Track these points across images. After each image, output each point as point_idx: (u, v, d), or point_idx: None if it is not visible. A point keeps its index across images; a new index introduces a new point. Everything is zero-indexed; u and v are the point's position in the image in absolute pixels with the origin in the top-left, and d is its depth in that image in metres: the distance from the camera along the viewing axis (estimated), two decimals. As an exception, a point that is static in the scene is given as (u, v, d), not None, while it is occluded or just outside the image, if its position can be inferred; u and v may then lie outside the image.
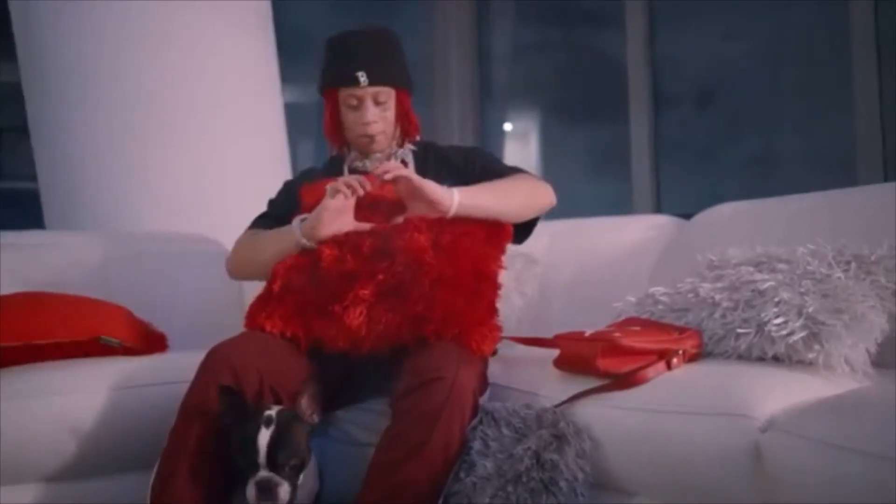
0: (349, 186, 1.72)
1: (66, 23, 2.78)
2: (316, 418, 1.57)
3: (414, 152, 1.94)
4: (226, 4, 2.92)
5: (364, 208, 1.77)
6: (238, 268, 1.95)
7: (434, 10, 3.94)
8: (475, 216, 1.75)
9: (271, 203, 2.00)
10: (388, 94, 1.85)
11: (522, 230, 1.88)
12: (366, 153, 1.90)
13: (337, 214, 1.74)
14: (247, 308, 1.80)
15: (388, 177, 1.69)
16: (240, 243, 1.94)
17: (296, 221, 1.79)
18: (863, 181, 2.75)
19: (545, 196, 1.87)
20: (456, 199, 1.72)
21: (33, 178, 2.98)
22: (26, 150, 3.04)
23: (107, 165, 2.78)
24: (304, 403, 1.55)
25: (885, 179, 2.74)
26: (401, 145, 1.94)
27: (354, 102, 1.84)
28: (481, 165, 1.90)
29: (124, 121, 2.77)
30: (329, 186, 1.74)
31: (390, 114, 1.87)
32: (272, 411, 1.52)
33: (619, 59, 3.40)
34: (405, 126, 1.93)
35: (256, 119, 3.00)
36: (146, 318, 2.10)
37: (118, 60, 2.77)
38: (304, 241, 1.75)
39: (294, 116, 3.24)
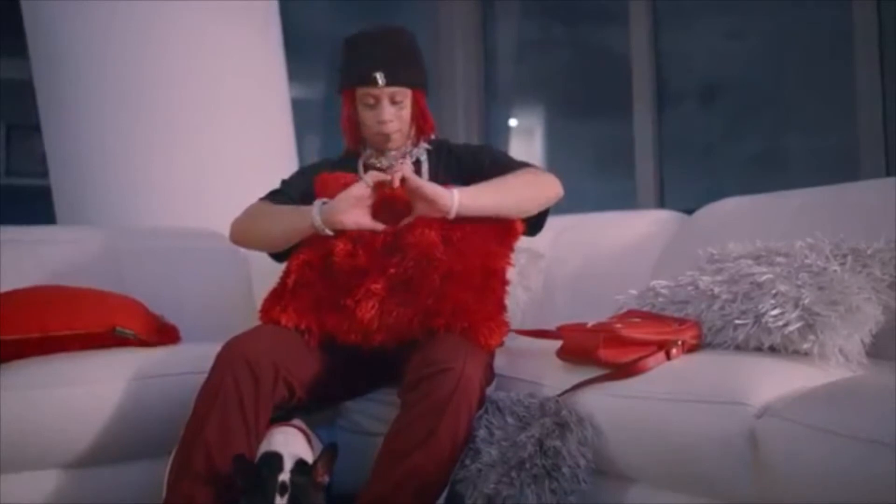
0: (377, 182, 1.73)
1: (76, 21, 2.79)
2: (327, 479, 1.56)
3: (429, 151, 1.96)
4: (234, 3, 2.93)
5: (377, 208, 1.78)
6: (244, 234, 1.93)
7: (439, 8, 3.94)
8: (478, 216, 1.75)
9: (285, 183, 1.98)
10: (405, 94, 1.86)
11: (534, 222, 1.88)
12: (381, 150, 1.92)
13: (358, 204, 1.74)
14: (256, 301, 1.83)
15: (396, 177, 1.71)
16: (252, 209, 1.92)
17: (317, 203, 1.78)
18: (866, 179, 2.75)
19: (550, 188, 1.86)
20: (456, 199, 1.72)
21: (44, 174, 3.00)
22: (36, 147, 3.06)
23: (117, 161, 2.79)
24: (319, 467, 1.54)
25: (888, 177, 2.74)
26: (416, 144, 1.95)
27: (371, 101, 1.85)
28: (490, 162, 1.90)
29: (134, 117, 2.78)
30: (367, 175, 1.75)
31: (406, 113, 1.88)
32: (285, 476, 1.50)
33: (624, 56, 3.40)
34: (420, 125, 1.93)
35: (264, 115, 3.01)
36: (157, 312, 2.12)
37: (128, 58, 2.78)
38: (319, 223, 1.75)
39: (300, 112, 3.26)
